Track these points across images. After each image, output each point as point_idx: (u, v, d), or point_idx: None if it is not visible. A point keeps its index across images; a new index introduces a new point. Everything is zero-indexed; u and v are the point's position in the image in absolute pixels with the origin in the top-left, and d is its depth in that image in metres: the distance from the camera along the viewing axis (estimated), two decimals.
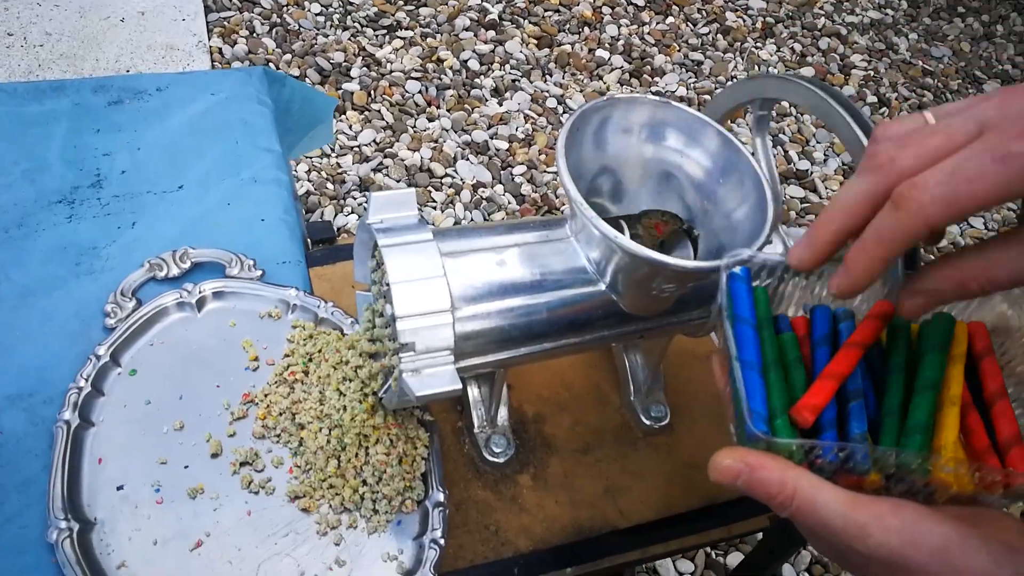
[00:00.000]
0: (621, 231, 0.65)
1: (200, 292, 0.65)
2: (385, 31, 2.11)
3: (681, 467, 0.67)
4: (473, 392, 0.66)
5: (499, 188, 1.82)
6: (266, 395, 0.61)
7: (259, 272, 0.68)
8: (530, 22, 2.27)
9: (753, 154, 0.61)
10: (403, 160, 1.81)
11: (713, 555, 1.38)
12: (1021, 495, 0.42)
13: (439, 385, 0.52)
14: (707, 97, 2.18)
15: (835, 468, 0.42)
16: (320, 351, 0.62)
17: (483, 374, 0.64)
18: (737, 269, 0.47)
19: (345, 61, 2.00)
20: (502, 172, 1.86)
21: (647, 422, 0.68)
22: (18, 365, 0.63)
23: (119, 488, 0.57)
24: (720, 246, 0.59)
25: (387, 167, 1.80)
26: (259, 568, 0.55)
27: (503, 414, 0.66)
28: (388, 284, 0.52)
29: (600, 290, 0.58)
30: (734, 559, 1.40)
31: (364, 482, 0.58)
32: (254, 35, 2.00)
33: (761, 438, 0.41)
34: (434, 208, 1.75)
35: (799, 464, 0.41)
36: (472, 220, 1.74)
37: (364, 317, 0.62)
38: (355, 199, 1.71)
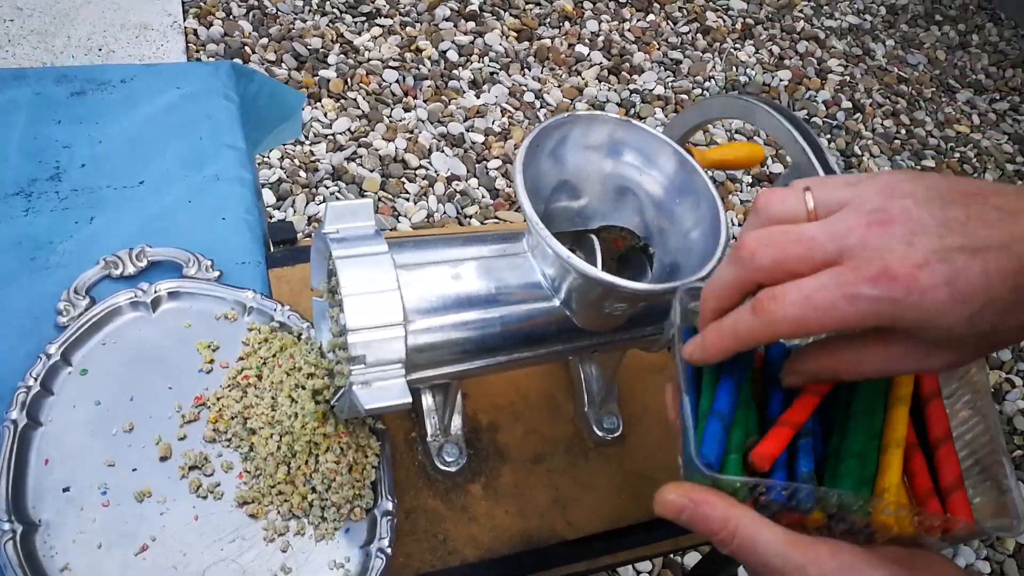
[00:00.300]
0: (579, 244, 0.66)
1: (155, 292, 0.65)
2: (364, 18, 2.10)
3: (631, 478, 0.68)
4: (427, 401, 0.66)
5: (473, 181, 1.82)
6: (218, 398, 0.61)
7: (217, 273, 0.68)
8: (511, 14, 2.26)
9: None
10: (377, 150, 1.81)
11: (671, 555, 1.40)
12: (959, 539, 0.43)
13: (389, 398, 0.52)
14: (684, 97, 2.19)
15: (779, 506, 0.43)
16: (274, 356, 0.62)
17: (437, 384, 0.64)
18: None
19: (323, 47, 1.98)
20: (477, 165, 1.86)
21: (599, 433, 0.69)
22: None
23: (65, 490, 0.57)
24: (675, 265, 0.59)
25: (361, 156, 1.79)
26: (204, 573, 0.55)
27: (457, 423, 0.66)
28: (341, 296, 0.52)
29: (554, 306, 0.58)
30: (692, 558, 1.42)
31: (313, 489, 0.58)
32: (230, 17, 1.98)
33: (707, 474, 0.42)
34: (407, 200, 1.75)
35: (744, 500, 0.42)
36: (445, 213, 1.74)
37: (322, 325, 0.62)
38: (327, 188, 1.70)
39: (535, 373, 0.72)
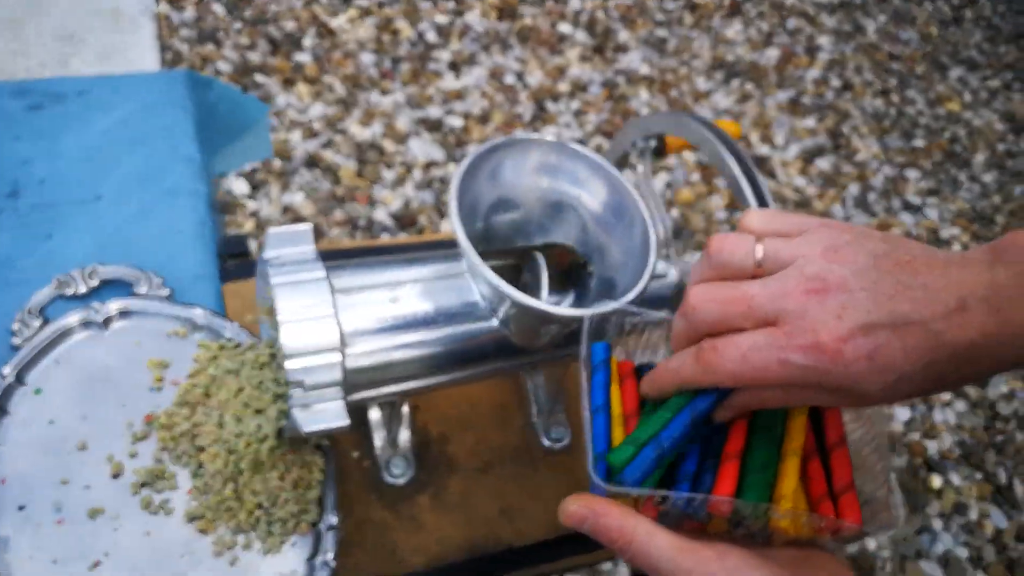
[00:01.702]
0: (526, 263, 0.67)
1: (107, 311, 0.66)
2: None
3: (578, 487, 0.69)
4: (374, 415, 0.68)
5: (452, 167, 1.82)
6: (169, 416, 0.62)
7: (167, 291, 0.69)
8: None
9: (637, 186, 0.63)
10: (353, 136, 1.81)
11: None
12: (849, 539, 0.47)
13: (327, 421, 0.54)
14: (670, 76, 2.19)
15: (679, 514, 0.45)
16: (223, 375, 0.64)
17: (384, 400, 0.66)
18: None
19: (298, 30, 1.98)
20: (456, 150, 1.86)
21: (547, 443, 0.71)
22: None
23: (21, 508, 0.59)
24: (612, 282, 0.61)
25: (336, 143, 1.79)
26: None
27: (404, 437, 0.68)
28: (278, 322, 0.54)
29: (493, 326, 0.60)
30: None
31: (260, 505, 0.60)
32: (203, 1, 1.97)
33: (599, 484, 0.45)
34: (383, 188, 1.75)
35: (656, 504, 0.45)
36: (423, 201, 1.75)
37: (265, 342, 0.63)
38: (302, 176, 1.71)
39: (486, 384, 0.74)
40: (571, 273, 0.66)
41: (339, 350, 0.54)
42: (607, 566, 1.38)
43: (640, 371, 0.52)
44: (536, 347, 0.62)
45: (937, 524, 1.54)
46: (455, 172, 0.57)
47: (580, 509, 0.45)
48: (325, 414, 0.54)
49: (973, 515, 1.57)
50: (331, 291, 0.55)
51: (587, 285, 0.64)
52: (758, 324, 0.41)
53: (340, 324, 0.55)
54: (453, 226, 0.55)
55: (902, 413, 1.67)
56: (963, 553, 1.52)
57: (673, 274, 0.68)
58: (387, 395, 0.60)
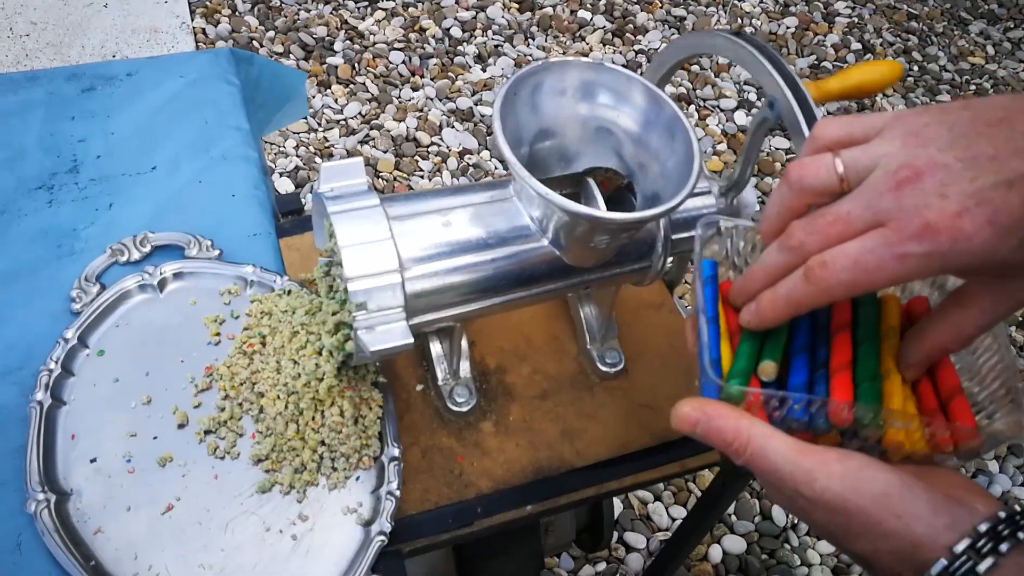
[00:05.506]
0: (576, 189, 0.67)
1: (161, 274, 0.68)
2: (367, 3, 2.11)
3: (635, 408, 0.70)
4: (435, 348, 0.68)
5: (485, 154, 1.84)
6: (228, 367, 0.64)
7: (217, 251, 0.71)
8: None
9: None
10: (389, 131, 1.83)
11: (680, 477, 1.41)
12: (972, 453, 0.43)
13: (392, 340, 0.54)
14: None
15: (792, 421, 0.44)
16: (277, 323, 0.65)
17: (443, 329, 0.67)
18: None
19: (328, 35, 2.01)
20: (488, 138, 1.87)
21: (603, 368, 0.71)
22: (7, 342, 0.66)
23: (92, 461, 0.60)
24: (656, 195, 0.61)
25: (373, 139, 1.82)
26: (227, 526, 0.58)
27: (465, 367, 0.68)
28: (339, 248, 0.55)
29: (543, 246, 0.60)
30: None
31: (322, 442, 0.61)
32: (236, 13, 2.01)
33: (714, 382, 0.43)
34: (421, 177, 1.77)
35: (772, 410, 0.43)
36: None
37: (321, 283, 0.64)
38: None
39: (539, 316, 0.75)
40: (615, 197, 0.66)
41: (399, 271, 0.55)
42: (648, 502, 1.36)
43: None
44: (586, 266, 0.62)
45: (992, 466, 1.51)
46: (496, 94, 0.57)
47: (693, 412, 0.43)
48: (390, 334, 0.55)
49: None
50: (386, 217, 0.56)
51: (631, 205, 0.64)
52: (860, 234, 0.38)
53: (397, 248, 0.56)
54: (499, 145, 0.55)
55: None
56: (1023, 494, 1.48)
57: (715, 190, 0.68)
58: (445, 319, 0.61)
